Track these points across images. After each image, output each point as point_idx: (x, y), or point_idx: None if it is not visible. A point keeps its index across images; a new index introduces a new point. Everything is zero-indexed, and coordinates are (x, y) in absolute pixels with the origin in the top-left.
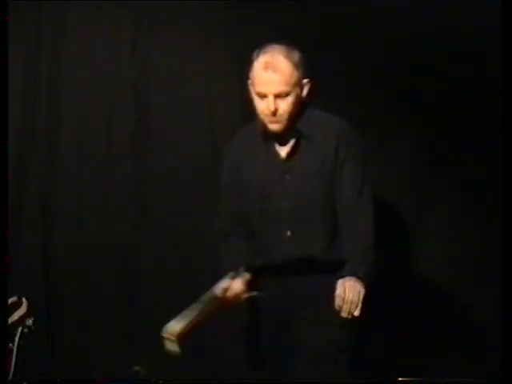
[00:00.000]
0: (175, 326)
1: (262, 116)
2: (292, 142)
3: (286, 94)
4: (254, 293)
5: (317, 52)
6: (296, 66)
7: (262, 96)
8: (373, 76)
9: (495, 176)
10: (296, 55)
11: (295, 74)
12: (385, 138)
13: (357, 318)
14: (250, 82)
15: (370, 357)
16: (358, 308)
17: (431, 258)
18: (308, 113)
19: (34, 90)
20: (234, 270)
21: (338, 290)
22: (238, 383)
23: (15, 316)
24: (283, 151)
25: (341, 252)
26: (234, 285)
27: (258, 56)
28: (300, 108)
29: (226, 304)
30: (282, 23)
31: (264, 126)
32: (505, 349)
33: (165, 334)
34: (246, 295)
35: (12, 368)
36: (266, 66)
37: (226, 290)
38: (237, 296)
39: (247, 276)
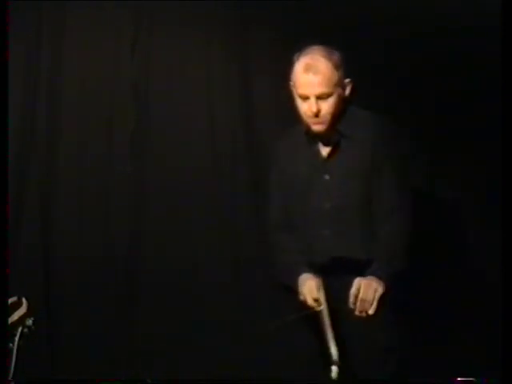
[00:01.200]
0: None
1: (305, 117)
2: (332, 142)
3: (328, 95)
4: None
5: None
6: (336, 66)
7: (305, 98)
8: (373, 76)
9: (495, 176)
10: (336, 56)
11: (336, 75)
12: (395, 139)
13: (371, 317)
14: (291, 83)
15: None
16: (373, 307)
17: (431, 258)
18: (349, 112)
19: (34, 90)
20: (294, 267)
21: (352, 288)
22: (238, 383)
23: (15, 316)
24: (325, 151)
25: (375, 252)
26: (313, 289)
27: (298, 58)
28: (343, 108)
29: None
30: (282, 23)
31: (307, 127)
32: (505, 349)
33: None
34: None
35: (12, 368)
36: (307, 68)
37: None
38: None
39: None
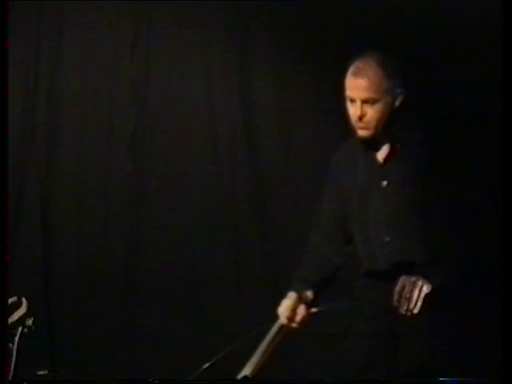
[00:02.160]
0: (246, 371)
1: (352, 121)
2: (387, 147)
3: (374, 101)
4: (322, 307)
5: (316, 51)
6: (387, 74)
7: (352, 100)
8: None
9: (495, 176)
10: (390, 63)
11: (386, 83)
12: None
13: (417, 315)
14: (345, 86)
15: None
16: (418, 306)
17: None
18: (402, 118)
19: (34, 90)
20: (297, 291)
21: (397, 287)
22: (238, 383)
23: (15, 316)
24: (381, 156)
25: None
26: (298, 309)
27: (354, 61)
28: (391, 116)
29: (293, 329)
30: (282, 23)
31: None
32: (505, 349)
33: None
34: (313, 310)
35: (12, 368)
36: (357, 72)
37: (289, 317)
38: (303, 319)
39: (310, 295)
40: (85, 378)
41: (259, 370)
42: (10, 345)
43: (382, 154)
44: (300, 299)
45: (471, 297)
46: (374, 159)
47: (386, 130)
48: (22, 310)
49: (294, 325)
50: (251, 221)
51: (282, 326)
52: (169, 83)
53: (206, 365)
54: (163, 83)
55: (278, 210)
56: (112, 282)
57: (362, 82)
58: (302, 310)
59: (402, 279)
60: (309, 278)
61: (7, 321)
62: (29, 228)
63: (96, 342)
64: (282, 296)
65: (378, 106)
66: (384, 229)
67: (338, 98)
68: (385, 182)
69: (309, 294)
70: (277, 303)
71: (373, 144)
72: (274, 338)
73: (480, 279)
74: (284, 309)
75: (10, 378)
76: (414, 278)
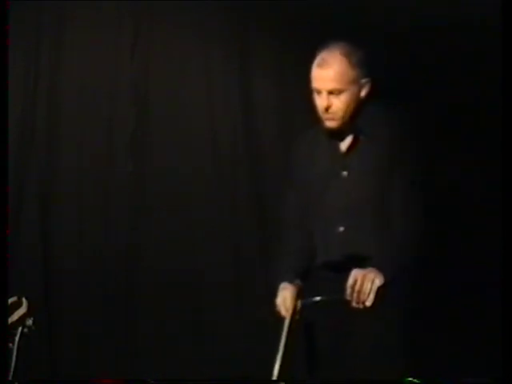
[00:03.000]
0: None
1: (319, 112)
2: (350, 138)
3: (340, 91)
4: (312, 299)
5: (316, 52)
6: (354, 64)
7: (318, 92)
8: (372, 76)
9: (495, 176)
10: (357, 54)
11: (351, 73)
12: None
13: (369, 308)
14: (311, 76)
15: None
16: (370, 298)
17: (431, 258)
18: (368, 110)
19: (34, 90)
20: (290, 281)
21: (349, 280)
22: (238, 383)
23: (15, 316)
24: (343, 146)
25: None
26: (297, 299)
27: (318, 52)
28: (358, 106)
29: (295, 321)
30: (282, 23)
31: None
32: (505, 348)
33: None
34: (301, 302)
35: (12, 368)
36: (322, 63)
37: (290, 308)
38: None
39: (301, 285)
40: (85, 377)
41: (285, 371)
42: (10, 345)
43: (344, 144)
44: (298, 289)
45: (471, 297)
46: (337, 149)
47: (351, 120)
48: (22, 310)
49: (296, 316)
50: (251, 221)
51: (290, 323)
52: (169, 83)
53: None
54: (163, 83)
55: (278, 210)
56: (112, 283)
57: (327, 73)
58: (299, 301)
59: (354, 272)
60: (293, 267)
61: (7, 321)
62: (29, 228)
63: (96, 342)
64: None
65: (343, 97)
66: (339, 219)
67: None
68: (345, 173)
69: (300, 283)
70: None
71: (337, 134)
72: (287, 337)
73: (426, 275)
74: (283, 300)
75: (10, 378)
76: (365, 271)
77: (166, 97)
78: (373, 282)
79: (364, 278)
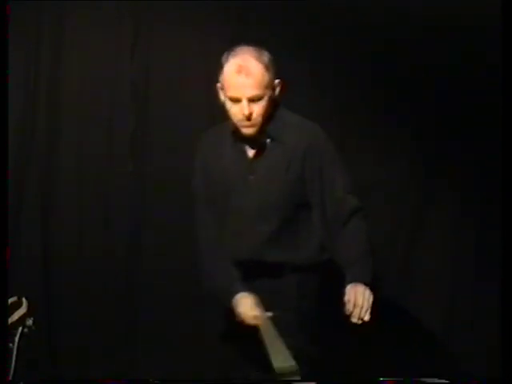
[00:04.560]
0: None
1: (235, 120)
2: (258, 142)
3: (259, 98)
4: (271, 313)
5: (316, 51)
6: (267, 67)
7: (235, 100)
8: (373, 76)
9: (495, 176)
10: (266, 57)
11: (267, 76)
12: (384, 138)
13: (366, 322)
14: (219, 85)
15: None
16: (368, 312)
17: (431, 258)
18: (279, 115)
19: (34, 90)
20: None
21: (348, 296)
22: (238, 383)
23: (15, 316)
24: (251, 152)
25: (304, 254)
26: (253, 308)
27: (227, 59)
28: (272, 110)
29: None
30: (282, 23)
31: (235, 128)
32: (505, 349)
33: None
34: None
35: (12, 368)
36: (239, 70)
37: (257, 315)
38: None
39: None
40: (85, 377)
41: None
42: (10, 345)
43: (253, 149)
44: (255, 296)
45: (471, 297)
46: (244, 153)
47: (266, 125)
48: (22, 310)
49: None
50: None
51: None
52: (169, 83)
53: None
54: (163, 83)
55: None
56: (112, 283)
57: (247, 81)
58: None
59: (350, 288)
60: (236, 276)
61: (7, 321)
62: (29, 228)
63: (96, 342)
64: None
65: (262, 103)
66: (248, 223)
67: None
68: (252, 177)
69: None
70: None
71: (252, 140)
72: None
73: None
74: (249, 308)
75: (10, 378)
76: (359, 286)
77: (165, 97)
78: (369, 297)
79: (361, 293)
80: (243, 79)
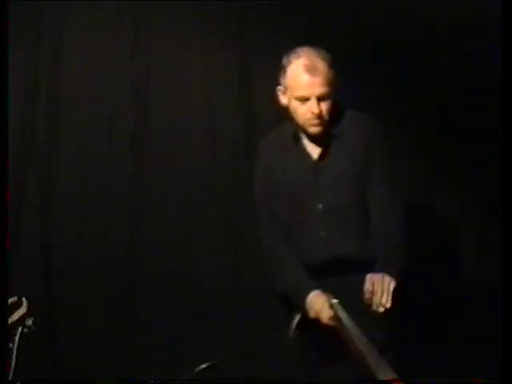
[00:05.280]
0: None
1: (302, 120)
2: (324, 142)
3: (327, 96)
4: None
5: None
6: (330, 65)
7: (304, 99)
8: (373, 76)
9: (495, 176)
10: (328, 55)
11: (331, 74)
12: (384, 138)
13: (388, 310)
14: (280, 88)
15: None
16: (389, 300)
17: (431, 258)
18: (338, 112)
19: (34, 90)
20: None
21: (366, 284)
22: (239, 383)
23: (15, 316)
24: (315, 153)
25: (374, 251)
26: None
27: (291, 61)
28: (335, 108)
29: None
30: (282, 23)
31: (295, 128)
32: (505, 349)
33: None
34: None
35: (12, 368)
36: (307, 69)
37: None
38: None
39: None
40: (85, 377)
41: None
42: (10, 345)
43: (317, 149)
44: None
45: (471, 297)
46: (308, 154)
47: (329, 123)
48: (22, 310)
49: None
50: (251, 221)
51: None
52: (169, 83)
53: (203, 365)
54: (163, 83)
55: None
56: (112, 283)
57: (315, 79)
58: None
59: (370, 276)
60: (306, 277)
61: (7, 321)
62: (29, 228)
63: (96, 342)
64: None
65: (329, 100)
66: (318, 224)
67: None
68: (319, 178)
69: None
70: (276, 303)
71: (314, 139)
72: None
73: (425, 276)
74: (325, 308)
75: (10, 378)
76: (380, 274)
77: (165, 97)
78: (389, 284)
79: (381, 281)
80: (311, 78)
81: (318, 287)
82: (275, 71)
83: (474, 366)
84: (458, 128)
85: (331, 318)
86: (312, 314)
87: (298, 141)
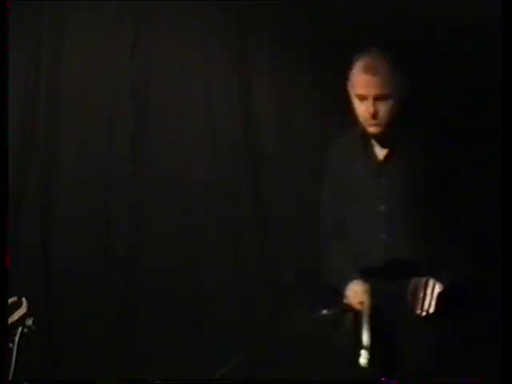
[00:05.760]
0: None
1: (361, 118)
2: (389, 145)
3: (386, 97)
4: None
5: (316, 51)
6: (396, 70)
7: (362, 98)
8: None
9: (495, 176)
10: (397, 60)
11: (395, 78)
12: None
13: (431, 315)
14: (349, 83)
15: None
16: (432, 305)
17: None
18: (403, 119)
19: (34, 90)
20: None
21: (410, 287)
22: (238, 383)
23: (15, 316)
24: (381, 154)
25: (436, 254)
26: (359, 294)
27: (358, 59)
28: (400, 111)
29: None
30: (282, 23)
31: (363, 129)
32: (505, 349)
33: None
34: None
35: (12, 368)
36: (367, 69)
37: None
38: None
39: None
40: (85, 377)
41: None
42: (10, 345)
43: (383, 150)
44: (368, 286)
45: (471, 297)
46: (374, 156)
47: (392, 127)
48: (22, 310)
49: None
50: (251, 221)
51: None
52: (169, 83)
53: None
54: (163, 83)
55: (278, 211)
56: (112, 283)
57: (373, 79)
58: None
59: (414, 280)
60: (353, 268)
61: (7, 321)
62: (29, 228)
63: (96, 342)
64: (282, 297)
65: (389, 102)
66: (380, 226)
67: (339, 97)
68: (383, 179)
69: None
70: (277, 303)
71: (380, 140)
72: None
73: (481, 279)
74: (358, 294)
75: (10, 378)
76: (424, 279)
77: (166, 97)
78: (433, 288)
79: (425, 285)
80: (370, 77)
81: (360, 276)
82: (275, 71)
83: (474, 366)
84: (458, 128)
85: (360, 304)
86: (346, 299)
87: (366, 142)
